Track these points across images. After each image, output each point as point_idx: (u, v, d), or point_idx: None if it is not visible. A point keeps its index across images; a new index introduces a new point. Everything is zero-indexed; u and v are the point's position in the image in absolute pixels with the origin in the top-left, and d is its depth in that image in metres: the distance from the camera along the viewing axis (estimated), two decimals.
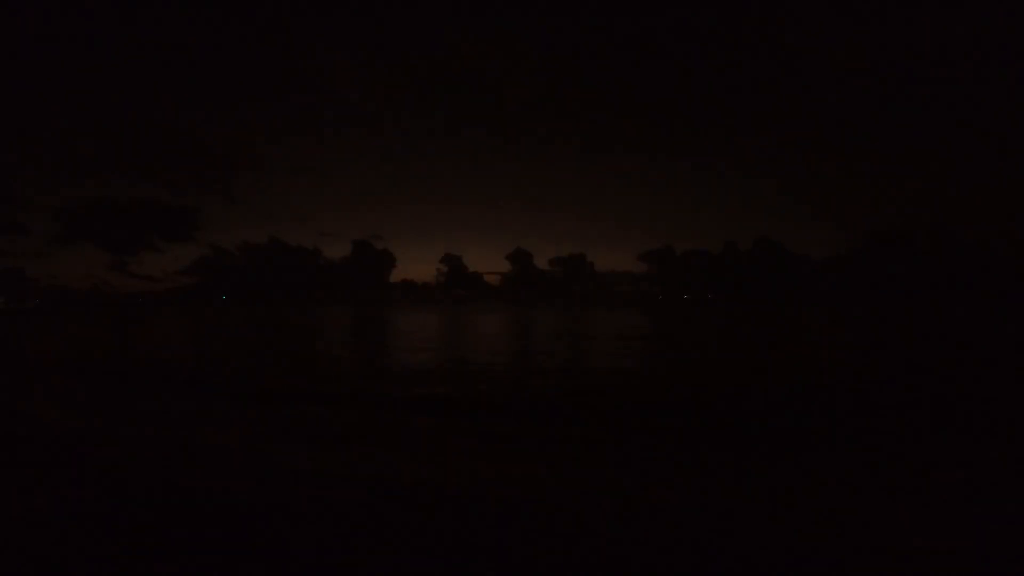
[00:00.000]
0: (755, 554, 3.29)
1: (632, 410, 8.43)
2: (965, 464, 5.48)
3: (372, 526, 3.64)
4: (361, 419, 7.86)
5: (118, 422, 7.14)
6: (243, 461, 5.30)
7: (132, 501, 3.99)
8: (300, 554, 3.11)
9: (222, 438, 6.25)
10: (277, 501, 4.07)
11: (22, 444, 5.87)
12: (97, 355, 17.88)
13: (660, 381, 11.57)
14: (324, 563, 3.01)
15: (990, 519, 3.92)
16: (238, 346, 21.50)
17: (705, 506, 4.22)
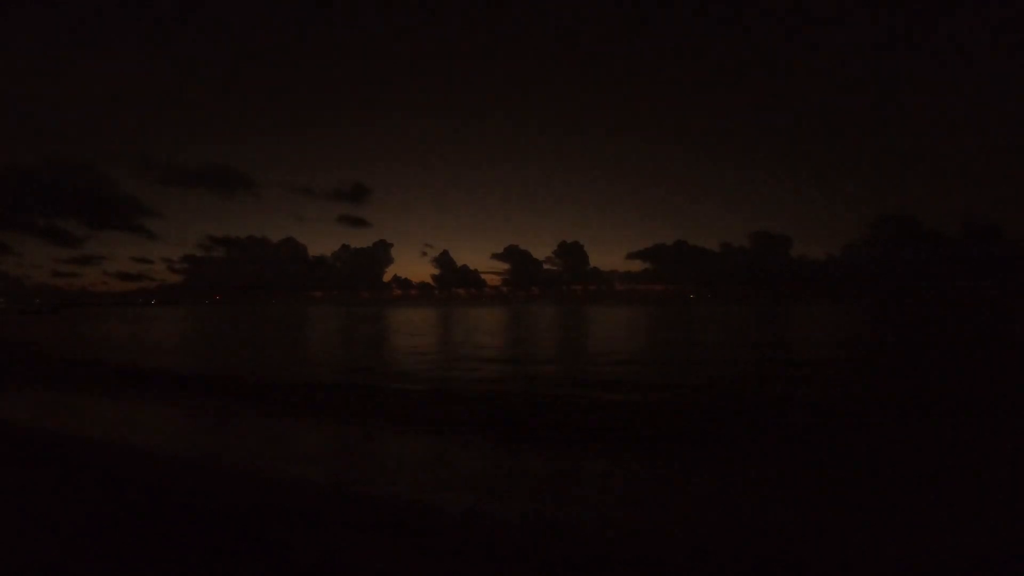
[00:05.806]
0: (756, 551, 3.30)
1: (646, 417, 8.42)
2: (967, 462, 5.48)
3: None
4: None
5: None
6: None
7: (130, 502, 4.01)
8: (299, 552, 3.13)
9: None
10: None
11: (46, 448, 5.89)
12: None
13: (662, 383, 11.56)
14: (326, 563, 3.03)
15: (991, 518, 3.92)
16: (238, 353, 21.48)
17: (708, 501, 4.24)
